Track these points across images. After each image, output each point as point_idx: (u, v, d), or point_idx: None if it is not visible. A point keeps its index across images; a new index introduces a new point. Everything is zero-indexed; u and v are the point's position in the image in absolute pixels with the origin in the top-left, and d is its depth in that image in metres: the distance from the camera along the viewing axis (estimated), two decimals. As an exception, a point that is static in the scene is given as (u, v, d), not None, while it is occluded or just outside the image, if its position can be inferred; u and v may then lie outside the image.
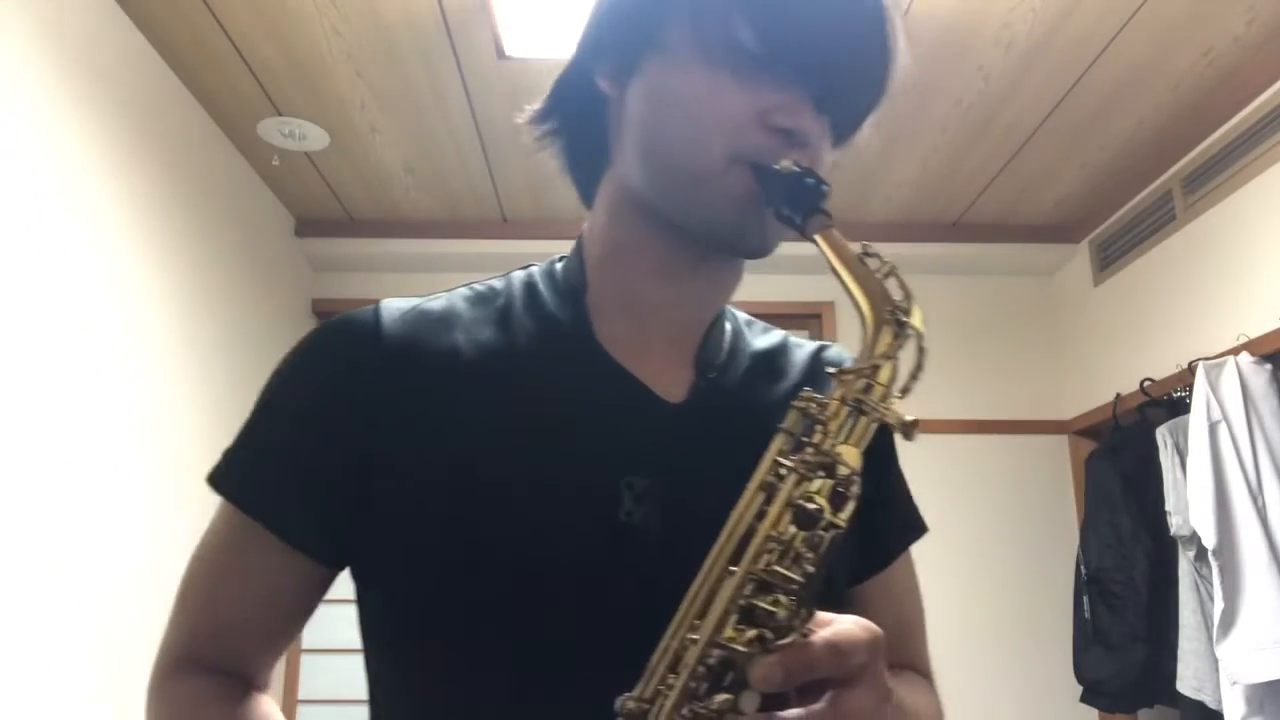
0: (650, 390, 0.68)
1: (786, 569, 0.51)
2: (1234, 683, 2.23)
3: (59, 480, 1.90)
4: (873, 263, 0.58)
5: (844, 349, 0.81)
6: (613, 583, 0.61)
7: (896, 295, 0.57)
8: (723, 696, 0.51)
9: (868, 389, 0.55)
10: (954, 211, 3.23)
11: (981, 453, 3.32)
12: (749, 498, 0.54)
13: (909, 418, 0.55)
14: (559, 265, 0.76)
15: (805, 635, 0.50)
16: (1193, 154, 2.74)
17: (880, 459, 0.79)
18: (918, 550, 0.84)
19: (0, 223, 1.75)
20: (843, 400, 0.55)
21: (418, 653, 0.65)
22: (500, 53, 2.32)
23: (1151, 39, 2.28)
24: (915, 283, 0.59)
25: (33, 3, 1.85)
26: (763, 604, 0.51)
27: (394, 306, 0.71)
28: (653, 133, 0.67)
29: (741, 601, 0.51)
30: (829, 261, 0.59)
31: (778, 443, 0.55)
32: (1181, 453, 2.53)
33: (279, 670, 3.10)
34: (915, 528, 0.84)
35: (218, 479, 0.69)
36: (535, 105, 0.76)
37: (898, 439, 0.82)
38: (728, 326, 0.76)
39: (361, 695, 0.70)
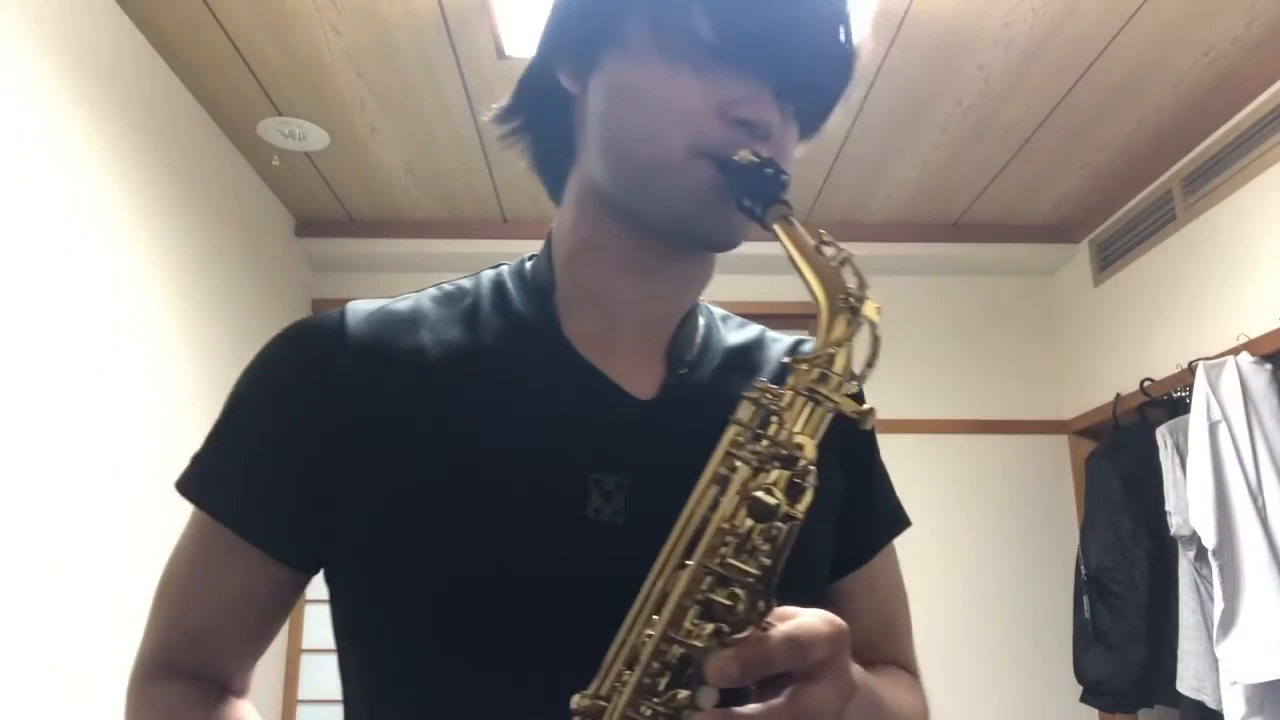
0: (619, 387, 0.68)
1: (742, 562, 0.50)
2: (1234, 683, 2.23)
3: (59, 480, 1.90)
4: (829, 251, 0.58)
5: None
6: (581, 580, 0.61)
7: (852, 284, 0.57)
8: (680, 692, 0.50)
9: (823, 378, 0.54)
10: (954, 211, 3.23)
11: (981, 453, 3.32)
12: (701, 490, 0.53)
13: (865, 406, 0.54)
14: (529, 264, 0.76)
15: (764, 629, 0.50)
16: (1193, 154, 2.74)
17: (860, 453, 0.78)
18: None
19: (0, 223, 1.75)
20: (797, 390, 0.54)
21: (384, 652, 0.65)
22: (500, 53, 2.33)
23: (1151, 39, 2.28)
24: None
25: (33, 3, 1.85)
26: (719, 598, 0.50)
27: (359, 308, 0.71)
28: (613, 128, 0.67)
29: (698, 596, 0.51)
30: (786, 251, 0.58)
31: (730, 434, 0.54)
32: (1181, 453, 2.53)
33: (279, 670, 3.10)
34: (897, 522, 0.82)
35: (186, 485, 0.69)
36: (500, 103, 0.76)
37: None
38: (701, 321, 0.75)
39: (361, 696, 0.70)
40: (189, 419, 2.40)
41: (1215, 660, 2.31)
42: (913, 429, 3.26)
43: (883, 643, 0.79)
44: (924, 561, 3.10)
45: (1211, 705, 2.37)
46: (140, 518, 2.11)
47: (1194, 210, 2.74)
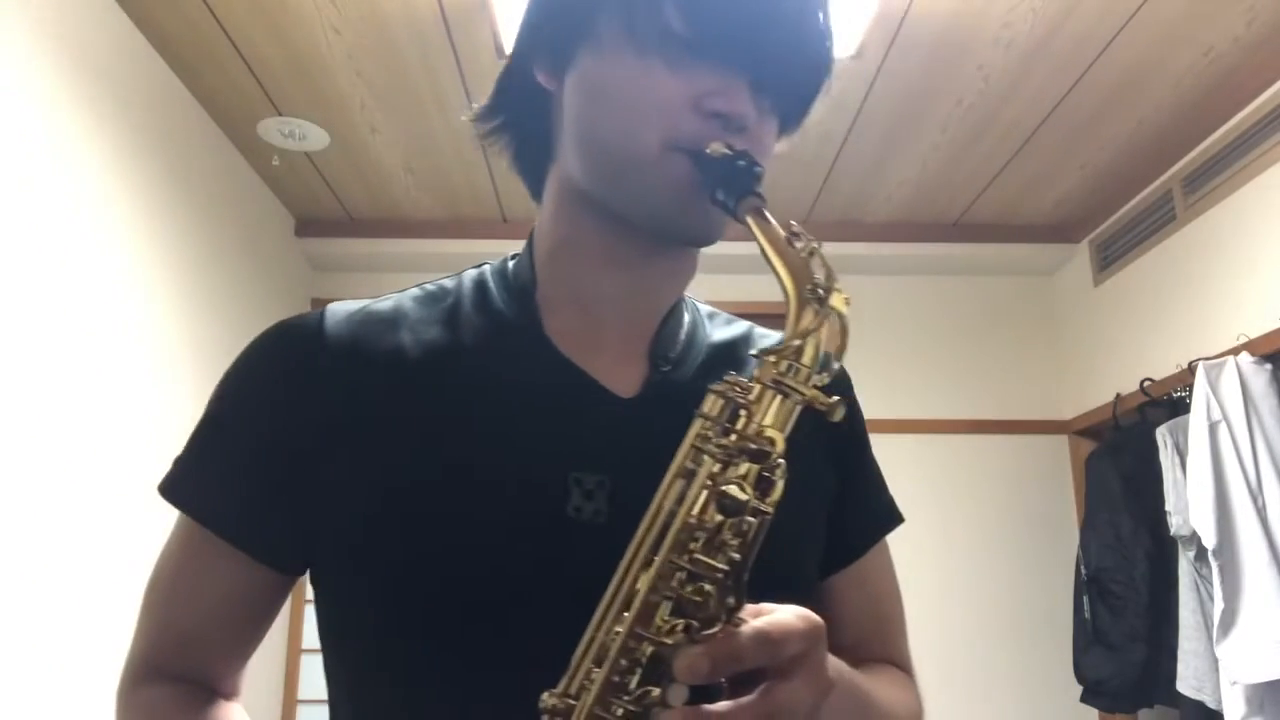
0: (600, 385, 0.68)
1: (710, 557, 0.50)
2: (1234, 683, 2.23)
3: (59, 480, 1.90)
4: (800, 243, 0.57)
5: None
6: (561, 579, 0.60)
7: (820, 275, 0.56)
8: (652, 690, 0.49)
9: (791, 370, 0.54)
10: (954, 211, 3.23)
11: (981, 453, 3.32)
12: (667, 485, 0.53)
13: (833, 398, 0.53)
14: (511, 263, 0.75)
15: (736, 625, 0.49)
16: (1193, 154, 2.74)
17: (850, 449, 0.78)
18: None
19: (0, 223, 1.75)
20: (764, 382, 0.54)
21: (366, 651, 0.65)
22: (500, 52, 2.33)
23: (1151, 39, 2.28)
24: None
25: (33, 3, 1.85)
26: (688, 594, 0.50)
27: (339, 309, 0.71)
28: (588, 124, 0.67)
29: (667, 592, 0.50)
30: (757, 242, 0.58)
31: (695, 428, 0.54)
32: (1181, 453, 2.53)
33: (279, 670, 3.10)
34: (889, 519, 0.82)
35: (167, 488, 0.69)
36: (480, 103, 0.76)
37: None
38: (686, 318, 0.75)
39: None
40: (189, 419, 2.39)
41: (1215, 660, 2.31)
42: (913, 429, 3.26)
43: (875, 640, 0.79)
44: (924, 562, 3.11)
45: (1211, 705, 2.37)
46: (140, 517, 2.11)
47: (1194, 210, 2.74)
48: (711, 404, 0.54)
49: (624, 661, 0.50)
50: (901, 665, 0.80)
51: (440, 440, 0.65)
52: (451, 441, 0.65)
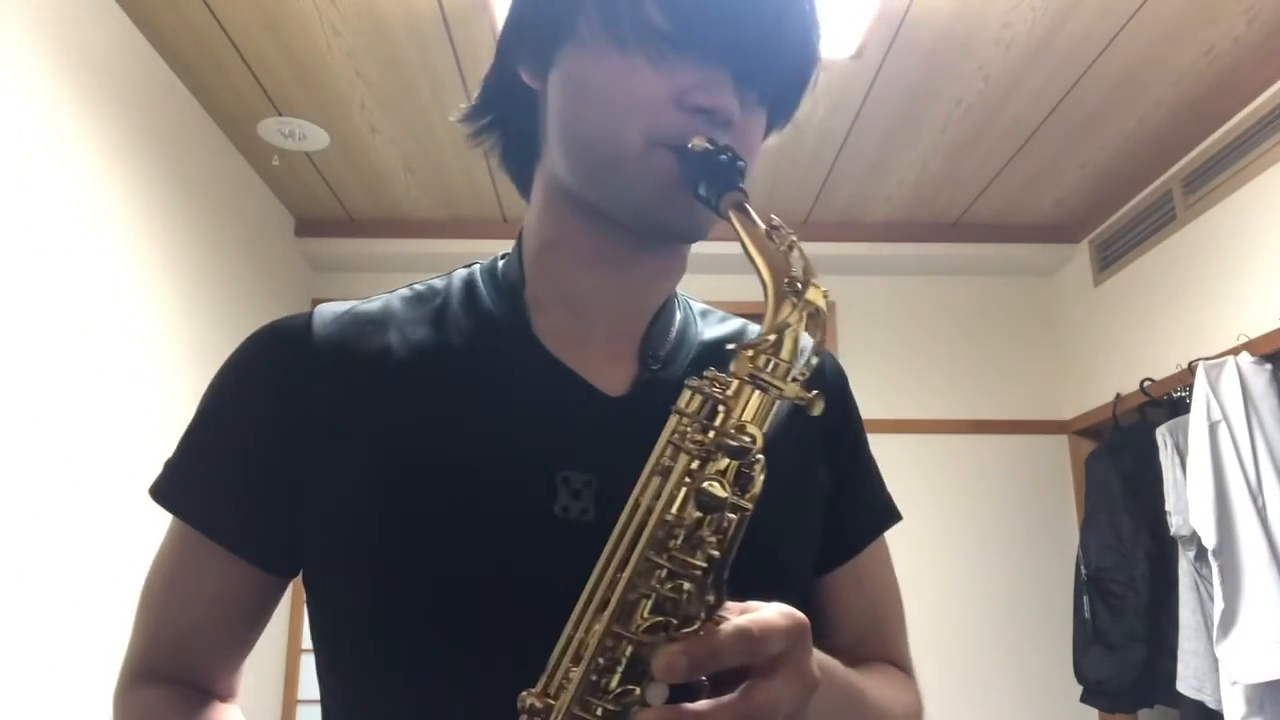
0: (588, 384, 0.67)
1: (689, 555, 0.49)
2: (1234, 683, 2.23)
3: (58, 480, 1.90)
4: (778, 236, 0.57)
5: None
6: (548, 578, 0.59)
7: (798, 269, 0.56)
8: (632, 689, 0.49)
9: (769, 365, 0.53)
10: (954, 211, 3.23)
11: (981, 453, 3.32)
12: (644, 482, 0.52)
13: (812, 392, 0.53)
14: (501, 262, 0.75)
15: (716, 623, 0.48)
16: (1193, 154, 2.74)
17: (845, 446, 0.78)
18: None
19: (1, 223, 1.75)
20: (741, 377, 0.53)
21: (354, 651, 0.65)
22: (500, 52, 2.32)
23: (1152, 38, 2.28)
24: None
25: (33, 3, 1.85)
26: (667, 592, 0.49)
27: (327, 310, 0.71)
28: (571, 122, 0.66)
29: (646, 590, 0.49)
30: (738, 236, 0.58)
31: (672, 424, 0.53)
32: (1181, 453, 2.52)
33: (279, 670, 3.10)
34: (887, 516, 0.81)
35: (159, 491, 0.69)
36: (466, 104, 0.76)
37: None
38: (677, 316, 0.74)
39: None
40: (188, 419, 2.39)
41: (1215, 660, 2.31)
42: (912, 429, 3.26)
43: (873, 639, 0.78)
44: (924, 562, 3.11)
45: (1211, 705, 2.37)
46: (139, 518, 2.11)
47: (1194, 210, 2.74)
48: (689, 400, 0.53)
49: (602, 660, 0.50)
50: (901, 665, 0.80)
51: (428, 440, 0.65)
52: (439, 441, 0.65)
